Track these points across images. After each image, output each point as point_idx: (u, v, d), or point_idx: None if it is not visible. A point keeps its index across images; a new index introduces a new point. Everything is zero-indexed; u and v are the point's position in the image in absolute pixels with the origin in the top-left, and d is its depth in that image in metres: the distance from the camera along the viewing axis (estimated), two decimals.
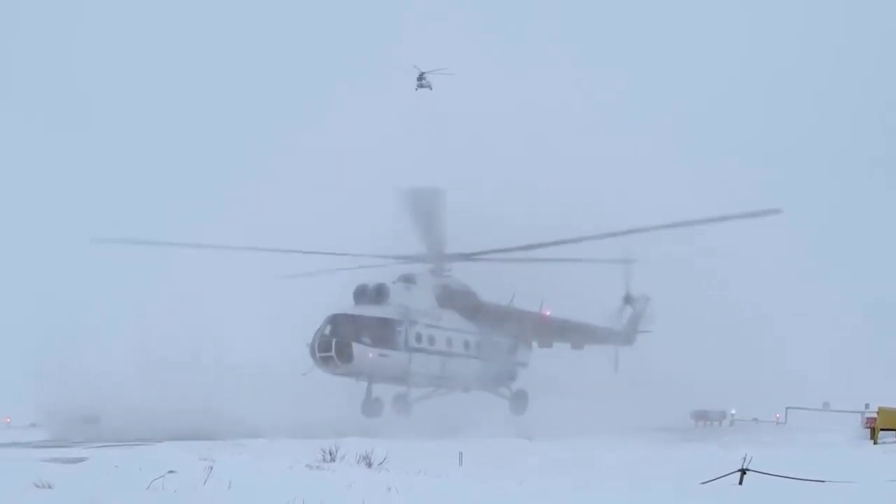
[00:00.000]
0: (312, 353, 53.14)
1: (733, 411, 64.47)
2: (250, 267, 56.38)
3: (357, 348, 53.42)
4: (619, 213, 56.94)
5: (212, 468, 19.85)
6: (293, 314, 53.82)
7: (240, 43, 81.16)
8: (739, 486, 23.31)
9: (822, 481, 23.36)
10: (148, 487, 17.09)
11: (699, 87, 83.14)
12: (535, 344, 62.88)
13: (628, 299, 66.02)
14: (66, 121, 75.30)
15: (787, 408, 62.97)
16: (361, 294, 55.47)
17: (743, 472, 23.87)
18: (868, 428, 46.38)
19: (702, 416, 63.65)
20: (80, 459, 23.69)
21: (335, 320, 53.61)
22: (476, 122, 67.01)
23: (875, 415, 46.88)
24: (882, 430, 45.33)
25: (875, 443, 43.77)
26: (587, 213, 56.28)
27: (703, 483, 23.57)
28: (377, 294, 55.43)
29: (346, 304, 54.91)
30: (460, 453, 31.55)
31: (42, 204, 67.46)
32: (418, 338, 56.35)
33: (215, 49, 79.74)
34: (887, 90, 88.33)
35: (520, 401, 60.58)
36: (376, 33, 78.99)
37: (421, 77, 71.44)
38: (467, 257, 58.40)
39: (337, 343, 52.94)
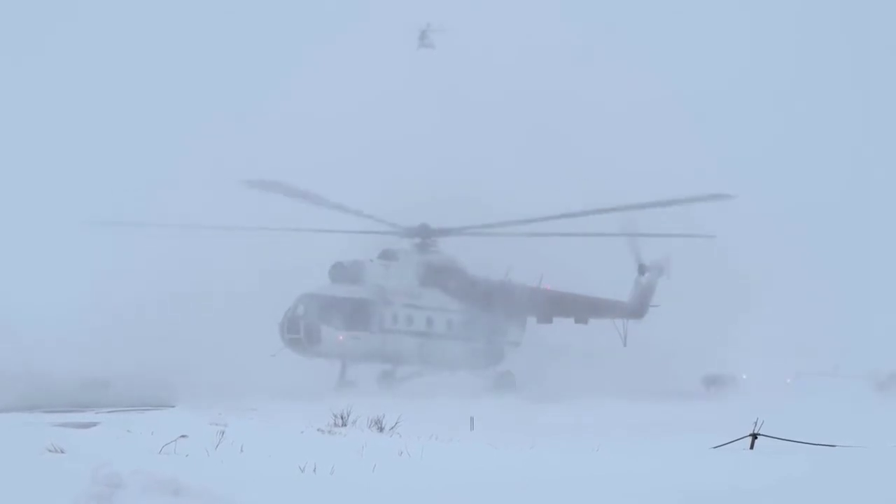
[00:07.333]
0: (281, 334, 52.10)
1: (744, 376, 64.33)
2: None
3: (326, 331, 52.21)
4: (623, 183, 56.19)
5: (223, 432, 19.96)
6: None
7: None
8: (750, 451, 23.29)
9: (833, 446, 23.36)
10: (160, 452, 17.13)
11: (713, 55, 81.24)
12: (533, 320, 61.34)
13: (642, 269, 64.88)
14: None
15: (797, 372, 62.94)
16: (337, 272, 54.07)
17: (754, 436, 23.84)
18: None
19: (712, 380, 63.63)
20: (92, 424, 23.76)
21: (305, 301, 52.38)
22: (483, 84, 65.57)
23: None
24: None
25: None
26: (590, 184, 55.40)
27: (715, 448, 23.56)
28: (352, 273, 54.05)
29: (322, 283, 53.74)
30: (472, 418, 31.55)
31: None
32: (394, 319, 54.77)
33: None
34: None
35: (505, 382, 58.70)
36: None
37: (423, 36, 68.71)
38: (459, 231, 56.66)
39: (305, 325, 51.83)
